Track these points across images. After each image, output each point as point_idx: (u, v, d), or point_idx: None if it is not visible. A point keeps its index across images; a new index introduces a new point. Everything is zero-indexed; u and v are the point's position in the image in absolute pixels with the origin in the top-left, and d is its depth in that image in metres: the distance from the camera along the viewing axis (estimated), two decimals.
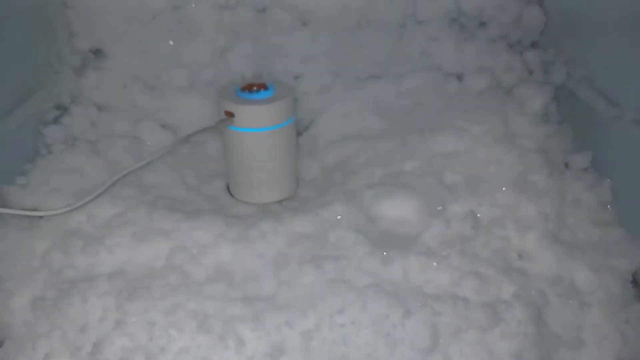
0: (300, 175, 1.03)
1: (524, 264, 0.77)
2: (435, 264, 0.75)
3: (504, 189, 0.85)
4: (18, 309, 0.71)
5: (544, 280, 0.75)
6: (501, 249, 0.79)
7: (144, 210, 0.84)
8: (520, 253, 0.79)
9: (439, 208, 0.82)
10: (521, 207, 0.83)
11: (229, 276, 0.75)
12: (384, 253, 0.76)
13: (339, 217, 0.84)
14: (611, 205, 0.85)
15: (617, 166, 0.87)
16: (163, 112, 1.10)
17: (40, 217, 0.81)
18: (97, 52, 1.07)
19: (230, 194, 0.99)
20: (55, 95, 0.98)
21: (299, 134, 1.07)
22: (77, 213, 0.82)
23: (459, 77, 1.12)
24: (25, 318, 0.70)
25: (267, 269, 0.77)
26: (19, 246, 0.78)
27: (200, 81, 1.12)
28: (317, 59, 1.14)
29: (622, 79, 0.87)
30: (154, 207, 0.85)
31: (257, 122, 0.88)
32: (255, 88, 0.90)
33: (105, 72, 1.07)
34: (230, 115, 0.88)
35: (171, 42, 1.10)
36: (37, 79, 0.96)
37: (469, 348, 0.67)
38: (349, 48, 1.14)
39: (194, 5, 1.09)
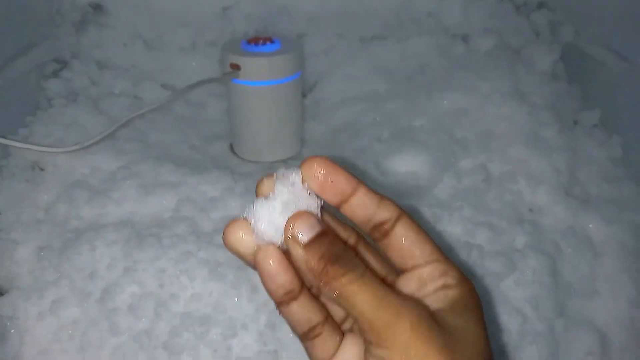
0: (305, 137, 1.01)
1: (537, 216, 0.77)
2: (447, 215, 0.74)
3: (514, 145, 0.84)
4: (24, 259, 0.69)
5: (557, 232, 0.74)
6: (513, 202, 0.78)
7: (150, 165, 0.82)
8: (532, 206, 0.78)
9: (452, 160, 0.81)
10: (532, 162, 0.82)
11: None
12: None
13: None
14: (621, 160, 0.85)
15: (626, 122, 0.86)
16: (164, 72, 1.08)
17: (42, 169, 0.79)
18: (97, 8, 1.04)
19: (234, 153, 0.97)
20: (55, 49, 0.95)
21: (303, 95, 1.06)
22: (80, 166, 0.80)
23: (465, 39, 1.11)
24: (31, 267, 0.68)
25: None
26: (23, 198, 0.76)
27: (202, 41, 1.10)
28: (321, 19, 1.12)
29: (633, 33, 0.86)
30: (159, 161, 0.83)
31: (264, 75, 0.86)
32: (261, 41, 0.88)
33: (106, 29, 1.05)
34: (235, 68, 0.86)
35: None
36: (38, 31, 0.93)
37: (484, 295, 0.66)
38: (354, 9, 1.12)
39: None
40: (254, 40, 0.88)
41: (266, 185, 0.34)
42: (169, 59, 1.08)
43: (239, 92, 0.88)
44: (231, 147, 0.98)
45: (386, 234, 0.33)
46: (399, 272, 0.35)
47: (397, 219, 0.33)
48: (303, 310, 0.34)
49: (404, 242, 0.33)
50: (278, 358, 0.60)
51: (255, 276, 0.66)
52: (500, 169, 0.82)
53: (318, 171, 0.32)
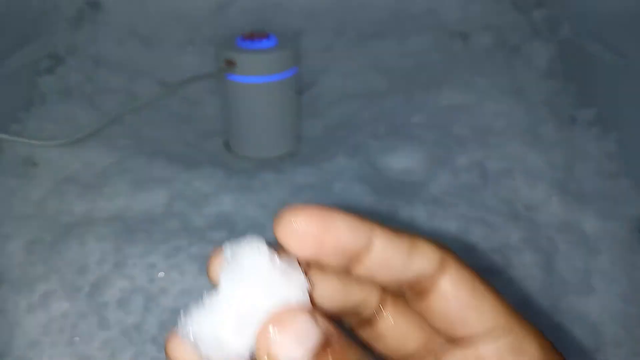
0: (302, 134, 1.01)
1: (532, 212, 0.76)
2: (442, 212, 0.73)
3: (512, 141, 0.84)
4: (13, 253, 0.68)
5: (552, 228, 0.73)
6: (509, 198, 0.77)
7: (143, 160, 0.82)
8: (528, 202, 0.77)
9: (448, 156, 0.80)
10: (529, 158, 0.82)
11: (230, 224, 0.74)
12: None
13: None
14: (617, 156, 0.84)
15: (623, 118, 0.85)
16: (160, 68, 1.07)
17: (35, 164, 0.79)
18: (93, 4, 1.03)
19: (229, 150, 0.97)
20: (50, 45, 0.95)
21: (300, 93, 1.05)
22: (72, 162, 0.80)
23: (464, 36, 1.10)
24: (21, 261, 0.67)
25: (270, 218, 0.75)
26: (13, 193, 0.75)
27: (198, 37, 1.09)
28: (319, 16, 1.12)
29: (630, 30, 0.85)
30: (152, 157, 0.83)
31: (259, 71, 0.86)
32: (257, 37, 0.87)
33: (101, 25, 1.04)
34: (230, 64, 0.85)
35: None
36: (33, 27, 0.93)
37: None
38: (352, 5, 1.12)
39: None
40: (250, 36, 0.88)
41: (217, 270, 0.21)
42: (165, 55, 1.08)
43: (234, 88, 0.88)
44: (226, 144, 0.98)
45: (424, 292, 0.22)
46: (448, 342, 0.22)
47: (439, 270, 0.21)
48: None
49: (453, 304, 0.21)
50: None
51: None
52: (496, 166, 0.81)
53: (306, 228, 0.20)
